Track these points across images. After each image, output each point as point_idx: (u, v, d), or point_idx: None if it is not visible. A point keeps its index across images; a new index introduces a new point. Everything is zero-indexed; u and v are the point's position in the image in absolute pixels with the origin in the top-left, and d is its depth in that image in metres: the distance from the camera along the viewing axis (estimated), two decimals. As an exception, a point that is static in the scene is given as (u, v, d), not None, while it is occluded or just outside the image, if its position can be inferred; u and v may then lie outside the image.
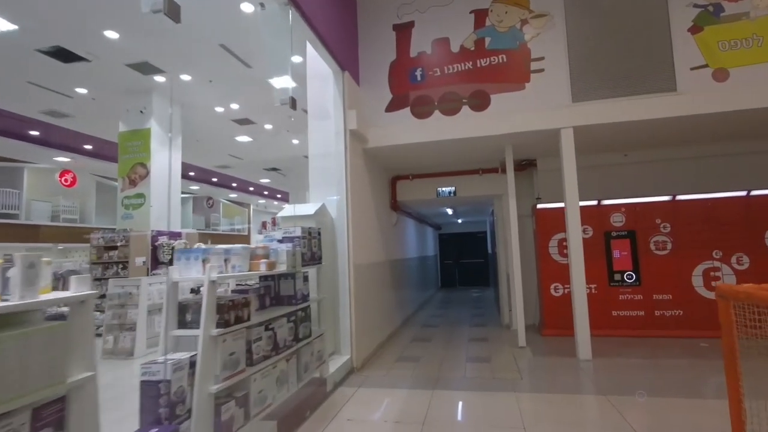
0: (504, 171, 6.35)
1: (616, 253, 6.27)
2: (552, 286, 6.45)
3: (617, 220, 6.30)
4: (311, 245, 3.89)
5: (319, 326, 4.11)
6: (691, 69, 4.93)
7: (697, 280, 5.95)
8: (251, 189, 20.11)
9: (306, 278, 3.76)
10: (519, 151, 6.54)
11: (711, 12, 4.91)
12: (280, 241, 3.65)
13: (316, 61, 5.23)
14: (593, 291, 6.26)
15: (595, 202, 6.37)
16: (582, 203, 5.35)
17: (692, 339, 5.76)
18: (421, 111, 5.78)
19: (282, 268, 3.30)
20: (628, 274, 6.19)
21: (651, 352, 5.22)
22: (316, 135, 5.40)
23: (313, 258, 3.93)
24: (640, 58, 5.08)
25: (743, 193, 5.89)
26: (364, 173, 5.92)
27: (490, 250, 11.16)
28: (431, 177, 7.57)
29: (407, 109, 5.84)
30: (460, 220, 15.25)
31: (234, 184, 18.80)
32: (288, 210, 4.88)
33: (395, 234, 7.88)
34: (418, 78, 5.84)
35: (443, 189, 7.50)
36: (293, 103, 3.67)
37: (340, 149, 5.16)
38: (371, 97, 5.96)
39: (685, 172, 6.56)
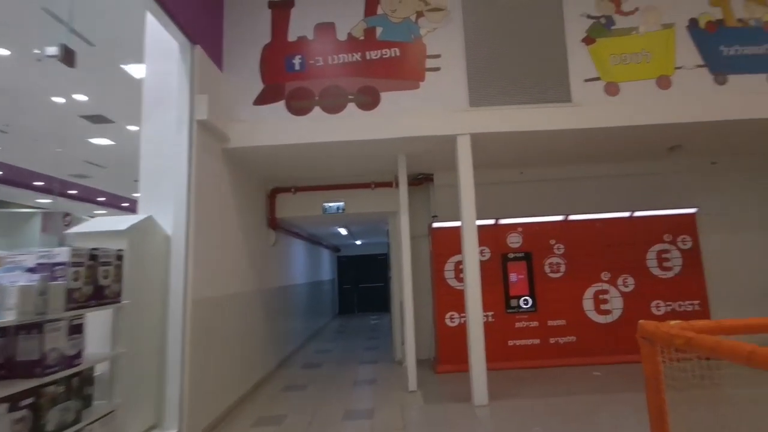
0: (398, 185, 5.58)
1: (512, 277, 5.82)
2: (447, 315, 5.75)
3: (514, 240, 5.88)
4: (97, 276, 2.52)
5: (111, 399, 2.69)
6: (585, 81, 4.68)
7: (587, 304, 5.73)
8: (125, 204, 16.97)
9: (78, 328, 2.37)
10: (415, 164, 5.83)
11: (603, 24, 4.74)
12: (31, 270, 2.25)
13: (158, 32, 3.93)
14: (490, 319, 5.69)
15: (492, 221, 5.89)
16: (479, 222, 4.74)
17: (586, 367, 5.44)
18: (299, 106, 4.74)
19: (8, 316, 1.92)
20: (525, 300, 5.75)
21: (548, 388, 4.69)
22: (150, 126, 4.03)
23: (101, 296, 2.55)
24: (537, 66, 4.71)
25: (627, 215, 5.87)
26: (224, 180, 4.64)
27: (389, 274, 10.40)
28: (317, 190, 6.51)
29: (282, 103, 4.75)
30: (358, 242, 14.39)
31: (101, 198, 15.61)
32: (90, 224, 3.40)
33: (275, 257, 6.61)
34: (297, 67, 4.82)
35: (330, 204, 6.48)
36: (66, 55, 2.34)
37: (182, 145, 3.85)
38: (237, 86, 4.76)
39: (577, 192, 6.47)
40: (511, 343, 5.68)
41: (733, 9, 4.79)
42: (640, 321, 2.17)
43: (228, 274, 4.57)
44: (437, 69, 4.74)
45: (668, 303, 5.70)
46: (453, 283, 5.80)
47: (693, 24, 4.76)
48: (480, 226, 4.76)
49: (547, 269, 5.79)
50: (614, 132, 4.78)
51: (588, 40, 4.73)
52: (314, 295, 10.12)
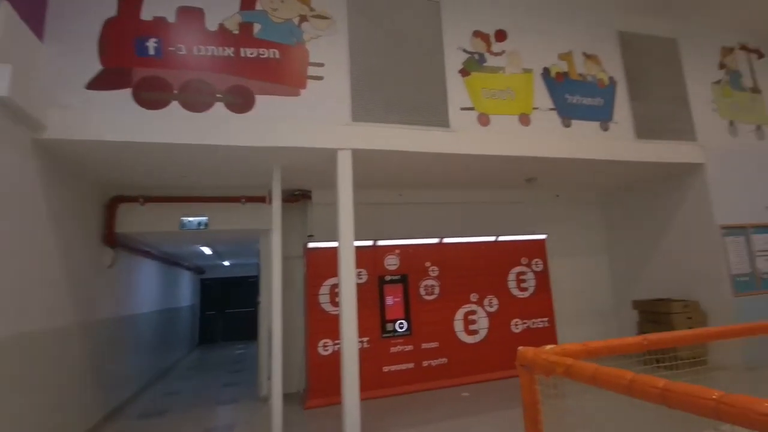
0: (272, 201, 5.04)
1: (389, 300, 5.69)
2: (321, 343, 5.31)
3: (391, 263, 5.79)
4: None
5: None
6: (461, 109, 4.89)
7: (458, 325, 5.90)
8: None
9: None
10: (291, 178, 5.38)
11: (477, 60, 5.06)
12: None
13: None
14: (365, 345, 5.43)
15: (370, 243, 5.72)
16: (358, 243, 4.49)
17: (456, 388, 5.53)
18: (152, 98, 3.94)
19: None
20: (400, 323, 5.66)
21: (422, 415, 4.57)
22: None
23: None
24: (419, 88, 4.77)
25: (493, 239, 6.30)
26: (31, 181, 3.55)
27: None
28: (174, 202, 5.56)
29: (127, 92, 3.89)
30: (226, 263, 13.03)
31: None
32: None
33: (111, 281, 5.37)
34: (151, 51, 4.03)
35: (190, 219, 5.58)
36: None
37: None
38: (63, 63, 3.76)
39: (450, 216, 6.75)
40: (386, 369, 5.48)
41: (576, 64, 5.59)
42: (520, 348, 2.08)
43: (28, 305, 3.43)
44: (320, 78, 4.44)
45: (524, 321, 6.21)
46: (328, 307, 5.41)
47: (546, 72, 5.41)
48: (358, 248, 4.51)
49: (422, 292, 5.81)
50: (485, 160, 5.07)
51: (464, 72, 4.98)
52: (167, 324, 8.65)
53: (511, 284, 6.26)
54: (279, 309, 4.44)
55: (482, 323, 6.01)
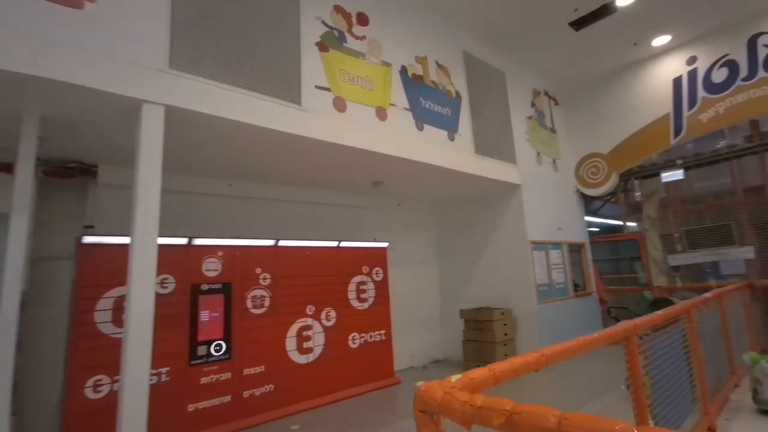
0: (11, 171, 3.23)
1: (204, 316, 4.41)
2: (91, 382, 3.67)
3: (211, 268, 4.53)
4: None
5: None
6: (317, 87, 4.15)
7: (290, 343, 5.00)
8: None
9: None
10: (66, 142, 3.68)
11: (336, 37, 4.42)
12: None
13: None
14: (164, 378, 4.02)
15: (184, 241, 4.36)
16: (164, 240, 3.22)
17: (285, 420, 4.60)
18: None
19: None
20: (217, 345, 4.43)
21: (242, 465, 3.51)
22: None
23: None
24: (268, 50, 3.82)
25: (335, 244, 5.68)
26: None
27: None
28: None
29: None
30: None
31: None
32: None
33: None
34: None
35: None
36: None
37: None
38: None
39: (290, 216, 5.84)
40: (192, 407, 4.16)
41: (430, 70, 5.54)
42: (418, 386, 1.43)
43: None
44: (121, -5, 3.07)
45: (363, 335, 5.74)
46: (108, 329, 3.81)
47: (404, 70, 5.16)
48: (164, 246, 3.22)
49: (249, 304, 4.72)
50: (338, 151, 4.42)
51: (322, 47, 4.27)
52: None
53: (351, 295, 5.73)
54: (13, 331, 2.78)
55: (318, 339, 5.27)
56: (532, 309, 6.39)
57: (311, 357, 5.15)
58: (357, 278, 5.83)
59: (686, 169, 7.27)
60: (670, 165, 7.41)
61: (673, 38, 6.94)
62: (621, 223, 12.08)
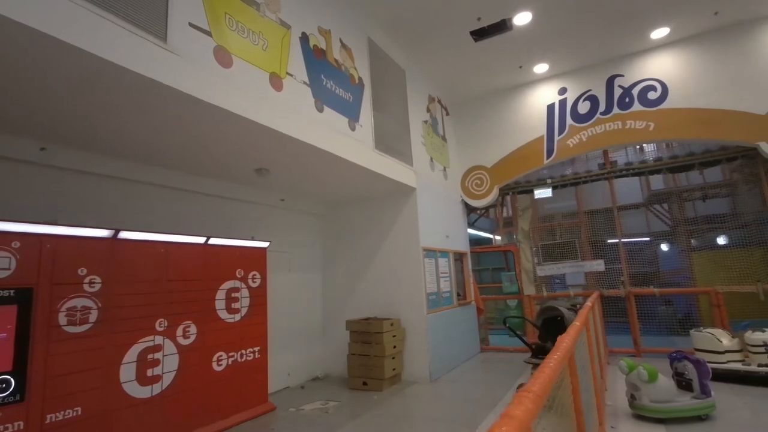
0: None
1: (-22, 338, 2.88)
2: None
3: (1, 266, 3.03)
4: None
5: None
6: (191, 25, 3.10)
7: (127, 372, 3.68)
8: None
9: None
10: None
11: (224, -32, 3.43)
12: None
13: None
14: None
15: (-55, 221, 2.80)
16: None
17: (108, 483, 3.28)
18: None
19: None
20: (2, 382, 2.94)
21: None
22: None
23: None
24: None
25: (202, 240, 4.50)
26: None
27: None
28: None
29: None
30: None
31: None
32: None
33: None
34: None
35: None
36: None
37: None
38: None
39: (139, 202, 4.45)
40: (-61, 485, 2.62)
41: (333, 47, 4.87)
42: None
43: None
44: None
45: (231, 354, 4.64)
46: None
47: (305, 38, 4.39)
48: None
49: (63, 319, 3.30)
50: (218, 117, 3.40)
51: (203, -25, 3.25)
52: None
53: (220, 304, 4.60)
54: None
55: (170, 364, 4.02)
56: (422, 318, 6.10)
57: (158, 388, 3.88)
58: (228, 284, 4.73)
59: (554, 188, 7.97)
60: (541, 183, 8.06)
61: (550, 68, 7.59)
62: (491, 236, 13.03)
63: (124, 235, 3.77)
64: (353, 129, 5.03)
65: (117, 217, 4.21)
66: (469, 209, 8.69)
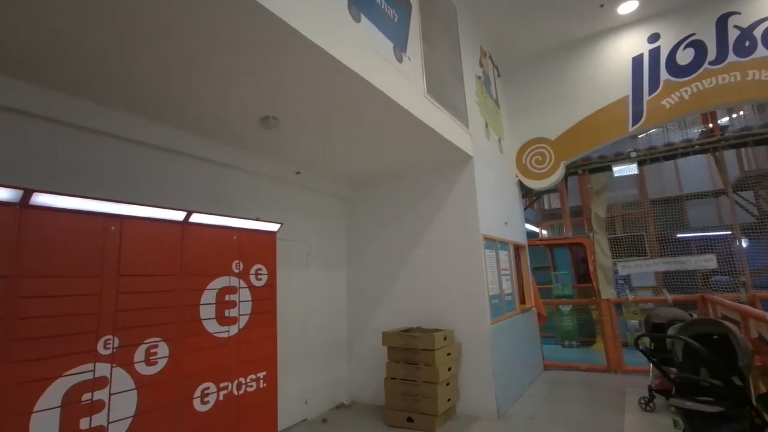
0: None
1: None
2: None
3: None
4: None
5: None
6: None
7: (44, 425, 2.23)
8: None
9: None
10: None
11: None
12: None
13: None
14: None
15: None
16: None
17: None
18: None
19: None
20: None
21: None
22: None
23: None
24: None
25: (180, 216, 3.02)
26: None
27: None
28: None
29: None
30: None
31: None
32: None
33: None
34: None
35: None
36: None
37: None
38: None
39: (89, 155, 2.99)
40: None
41: (373, -65, 3.35)
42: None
43: None
44: None
45: (223, 384, 3.16)
46: None
47: None
48: None
49: None
50: (211, 19, 1.92)
51: None
52: None
53: (207, 312, 3.12)
54: None
55: (122, 406, 2.55)
56: (484, 330, 4.54)
57: (99, 447, 2.42)
58: (219, 282, 3.25)
59: (640, 163, 6.31)
60: (622, 158, 6.40)
61: (640, 7, 5.92)
62: (536, 229, 11.35)
63: (40, 200, 2.30)
64: (399, 60, 3.50)
65: (29, 173, 2.75)
66: (524, 193, 7.08)
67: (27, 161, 2.75)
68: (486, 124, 5.71)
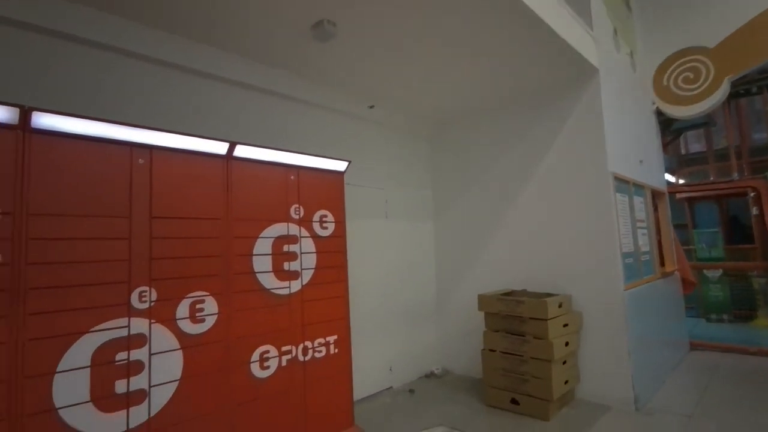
0: None
1: None
2: None
3: None
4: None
5: None
6: None
7: (72, 386, 1.90)
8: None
9: None
10: None
11: None
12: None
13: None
14: None
15: None
16: None
17: None
18: None
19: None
20: None
21: None
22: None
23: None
24: None
25: (222, 148, 2.50)
26: None
27: None
28: None
29: None
30: None
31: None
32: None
33: None
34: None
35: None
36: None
37: None
38: None
39: (109, 84, 2.60)
40: None
41: None
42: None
43: None
44: None
45: (286, 348, 2.68)
46: None
47: None
48: None
49: None
50: None
51: None
52: None
53: (261, 263, 2.62)
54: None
55: (163, 370, 2.18)
56: (616, 296, 3.45)
57: (140, 415, 2.07)
58: (275, 229, 2.72)
59: None
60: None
61: None
62: (671, 177, 9.26)
63: (47, 122, 1.89)
64: None
65: (34, 93, 2.38)
66: (663, 124, 5.48)
67: (43, 84, 2.40)
68: (615, 30, 4.31)
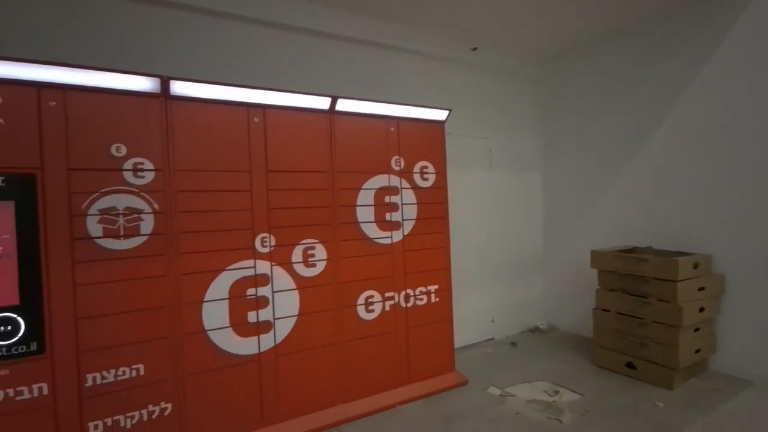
0: None
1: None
2: None
3: (-49, 130, 1.80)
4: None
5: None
6: None
7: (212, 314, 2.29)
8: None
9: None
10: None
11: None
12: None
13: None
14: None
15: None
16: None
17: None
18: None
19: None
20: (5, 322, 1.84)
21: None
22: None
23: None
24: None
25: (325, 103, 2.60)
26: None
27: None
28: None
29: None
30: None
31: None
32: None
33: None
34: None
35: None
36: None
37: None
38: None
39: (222, 45, 2.82)
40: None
41: None
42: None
43: None
44: None
45: (389, 294, 2.84)
46: None
47: None
48: None
49: (94, 227, 1.99)
50: None
51: None
52: None
53: (364, 214, 2.75)
54: None
55: (284, 307, 2.48)
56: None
57: (268, 342, 2.43)
58: (377, 181, 2.80)
59: None
60: None
61: None
62: None
63: (182, 89, 2.16)
64: None
65: (163, 62, 2.64)
66: None
67: (160, 51, 2.67)
68: None
